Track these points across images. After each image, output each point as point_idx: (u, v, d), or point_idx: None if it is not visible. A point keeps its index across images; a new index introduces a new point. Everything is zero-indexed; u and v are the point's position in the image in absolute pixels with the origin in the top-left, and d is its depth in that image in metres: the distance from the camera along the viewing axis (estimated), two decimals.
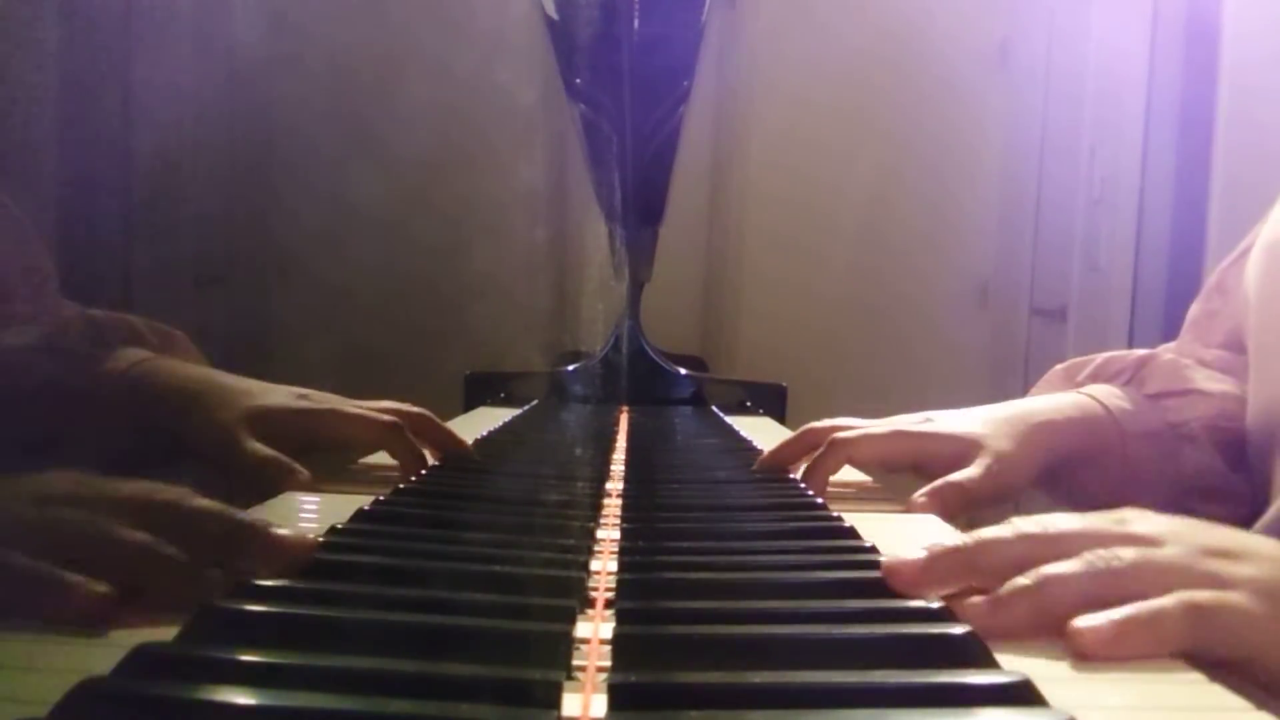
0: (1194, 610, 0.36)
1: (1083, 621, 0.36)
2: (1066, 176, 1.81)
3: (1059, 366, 0.78)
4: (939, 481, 0.63)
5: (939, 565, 0.40)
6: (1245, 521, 0.58)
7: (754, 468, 0.73)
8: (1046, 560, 0.39)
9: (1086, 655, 0.35)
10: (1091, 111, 1.74)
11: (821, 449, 0.68)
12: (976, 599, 0.39)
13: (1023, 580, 0.38)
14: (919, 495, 0.63)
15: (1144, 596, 0.37)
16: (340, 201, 1.80)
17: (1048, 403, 0.71)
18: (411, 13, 1.81)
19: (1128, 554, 0.39)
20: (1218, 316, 0.74)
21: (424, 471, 0.67)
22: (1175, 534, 0.40)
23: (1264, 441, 0.61)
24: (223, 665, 0.29)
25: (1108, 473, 0.68)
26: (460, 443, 0.73)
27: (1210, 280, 0.75)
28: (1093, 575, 0.38)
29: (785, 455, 0.72)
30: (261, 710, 0.26)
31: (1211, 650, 0.37)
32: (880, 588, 0.40)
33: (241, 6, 1.64)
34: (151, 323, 0.76)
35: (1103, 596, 0.37)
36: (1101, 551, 0.39)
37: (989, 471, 0.64)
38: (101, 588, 0.36)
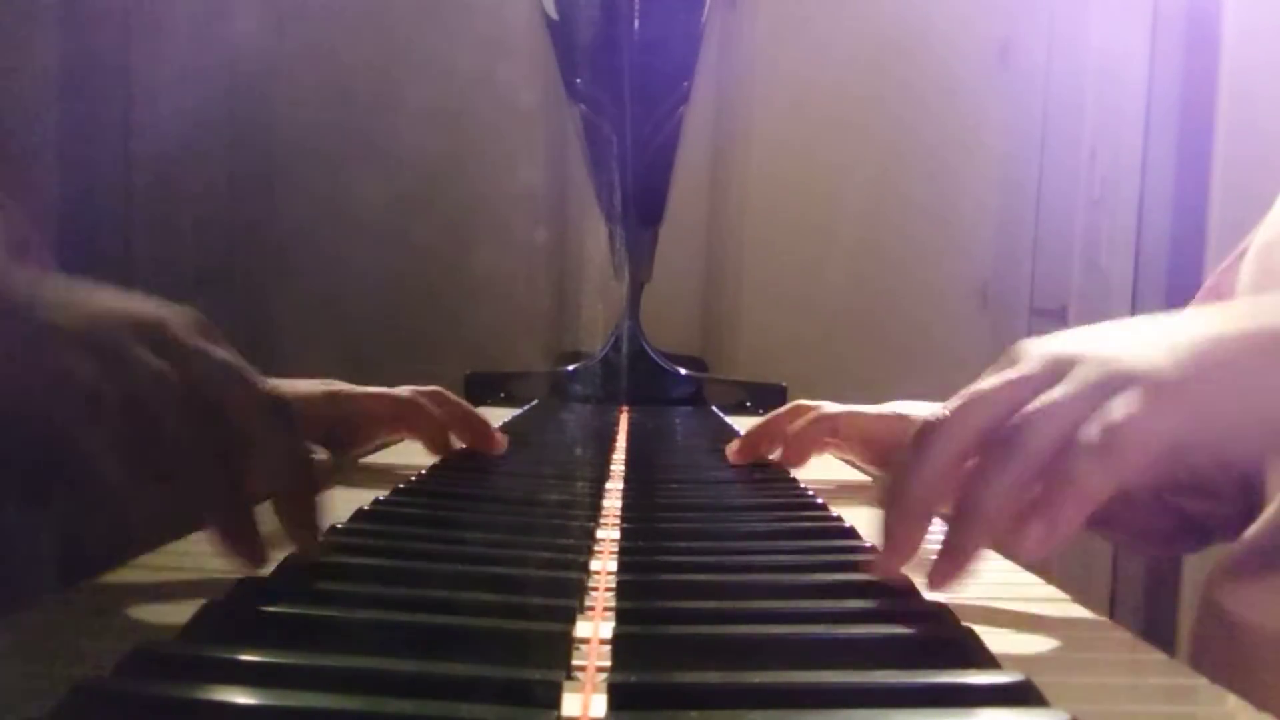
0: (1096, 451, 0.36)
1: (1022, 537, 0.36)
2: (1066, 177, 1.81)
3: None
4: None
5: (898, 537, 0.41)
6: (1236, 520, 0.59)
7: (743, 435, 0.75)
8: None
9: (1041, 554, 0.36)
10: (1091, 112, 1.74)
11: (809, 416, 0.70)
12: (932, 564, 0.40)
13: (956, 526, 0.39)
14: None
15: (1061, 447, 0.37)
16: (340, 202, 1.80)
17: None
18: (412, 14, 1.81)
19: (1031, 436, 0.38)
20: None
21: (423, 472, 0.67)
22: (1068, 361, 0.40)
23: None
24: (223, 665, 0.29)
25: None
26: (480, 421, 0.73)
27: (1206, 283, 0.75)
28: (1005, 470, 0.38)
29: (772, 426, 0.74)
30: (261, 710, 0.26)
31: (1152, 464, 0.36)
32: (880, 587, 0.40)
33: (242, 7, 1.64)
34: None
35: (1025, 477, 0.37)
36: (997, 441, 0.39)
37: None
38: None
